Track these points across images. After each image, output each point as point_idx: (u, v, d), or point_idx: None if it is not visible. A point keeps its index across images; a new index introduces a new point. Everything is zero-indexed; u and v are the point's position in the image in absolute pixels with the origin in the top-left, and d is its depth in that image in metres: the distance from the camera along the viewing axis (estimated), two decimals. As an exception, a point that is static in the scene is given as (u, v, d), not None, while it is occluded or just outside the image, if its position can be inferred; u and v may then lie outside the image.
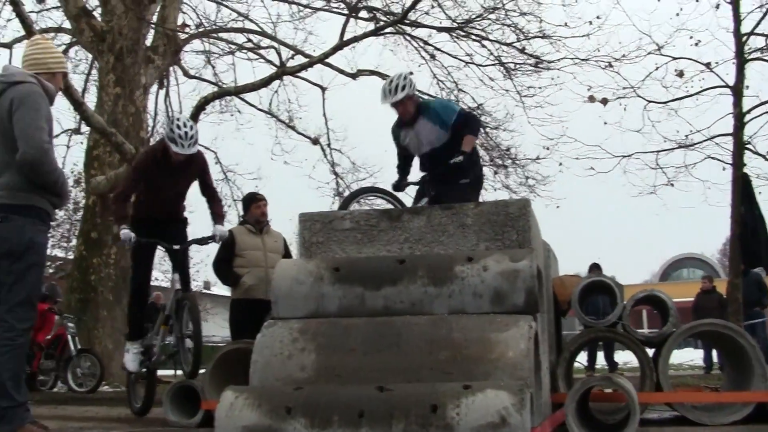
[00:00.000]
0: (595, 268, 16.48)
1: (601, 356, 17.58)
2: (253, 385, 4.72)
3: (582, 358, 17.04)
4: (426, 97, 7.67)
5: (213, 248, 9.36)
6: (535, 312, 4.85)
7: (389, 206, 7.30)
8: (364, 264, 5.13)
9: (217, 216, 8.18)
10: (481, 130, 7.42)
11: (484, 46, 17.03)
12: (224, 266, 9.18)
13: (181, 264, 7.98)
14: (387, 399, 4.12)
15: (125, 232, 7.63)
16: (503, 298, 4.81)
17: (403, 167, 7.94)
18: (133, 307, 8.38)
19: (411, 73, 7.71)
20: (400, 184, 7.78)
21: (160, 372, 9.07)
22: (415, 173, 7.85)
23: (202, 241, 8.24)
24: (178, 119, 7.82)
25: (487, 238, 5.27)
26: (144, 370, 8.24)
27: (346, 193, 19.36)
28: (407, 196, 7.98)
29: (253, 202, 9.46)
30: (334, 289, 5.04)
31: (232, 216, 20.26)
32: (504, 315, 4.74)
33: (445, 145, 7.33)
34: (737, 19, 14.15)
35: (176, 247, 7.85)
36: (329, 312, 5.03)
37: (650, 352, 6.98)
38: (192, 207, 9.04)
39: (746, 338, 6.49)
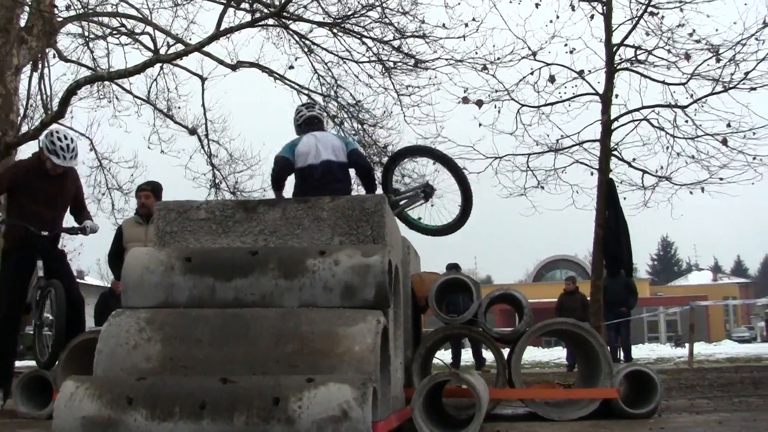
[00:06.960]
0: (452, 267, 16.68)
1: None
2: (96, 375, 4.62)
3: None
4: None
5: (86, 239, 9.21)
6: (386, 307, 4.90)
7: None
8: (216, 255, 5.08)
9: (88, 216, 8.20)
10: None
11: (363, 43, 17.08)
12: (113, 259, 9.04)
13: (47, 252, 7.73)
14: (230, 391, 4.10)
15: None
16: (354, 292, 4.84)
17: None
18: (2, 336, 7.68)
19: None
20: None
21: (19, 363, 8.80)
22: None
23: (72, 231, 8.13)
24: (57, 132, 7.81)
25: (342, 232, 5.29)
26: None
27: (223, 185, 19.20)
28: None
29: (138, 192, 9.32)
30: (184, 279, 4.97)
31: (106, 205, 19.84)
32: (353, 309, 4.77)
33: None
34: (609, 30, 14.70)
35: (45, 233, 7.62)
36: (179, 302, 4.96)
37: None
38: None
39: (596, 338, 6.71)
